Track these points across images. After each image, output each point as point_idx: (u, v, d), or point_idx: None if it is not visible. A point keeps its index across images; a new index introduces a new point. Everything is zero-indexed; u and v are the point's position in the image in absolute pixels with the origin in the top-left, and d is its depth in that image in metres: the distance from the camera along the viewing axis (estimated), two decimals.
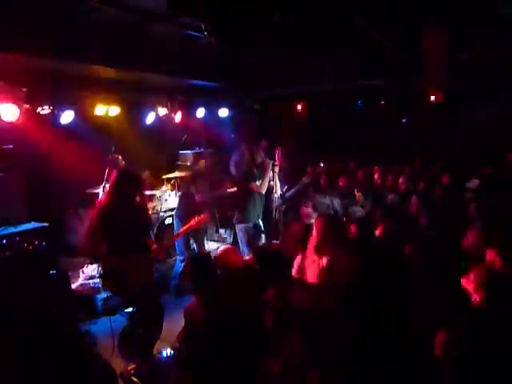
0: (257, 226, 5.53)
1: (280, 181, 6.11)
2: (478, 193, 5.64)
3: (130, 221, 3.58)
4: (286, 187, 6.27)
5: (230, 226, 6.70)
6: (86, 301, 5.01)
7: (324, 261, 3.45)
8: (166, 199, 6.52)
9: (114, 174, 3.77)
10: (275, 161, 5.92)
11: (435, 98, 7.58)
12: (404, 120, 9.59)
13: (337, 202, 5.96)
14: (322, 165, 7.35)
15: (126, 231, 3.55)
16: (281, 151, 6.39)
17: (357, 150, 8.62)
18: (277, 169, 5.55)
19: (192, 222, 4.28)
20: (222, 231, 7.51)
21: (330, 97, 8.37)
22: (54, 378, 1.95)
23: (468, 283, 2.51)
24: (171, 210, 6.54)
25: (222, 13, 3.63)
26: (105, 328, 4.07)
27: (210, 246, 7.02)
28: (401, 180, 6.49)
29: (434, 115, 8.32)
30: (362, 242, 3.88)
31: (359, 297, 2.64)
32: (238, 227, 5.53)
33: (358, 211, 5.55)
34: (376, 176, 7.10)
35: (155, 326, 3.79)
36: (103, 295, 4.99)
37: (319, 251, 3.53)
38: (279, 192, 5.81)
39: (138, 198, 3.70)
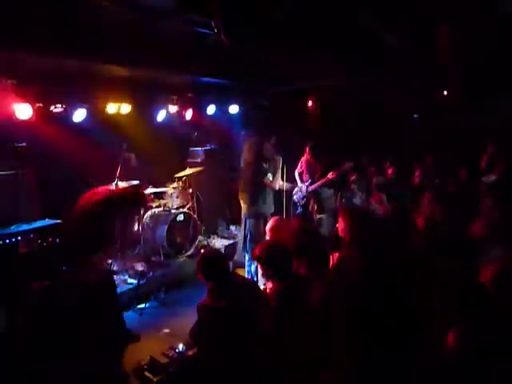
0: (265, 219, 5.42)
1: (306, 175, 6.24)
2: (494, 187, 5.58)
3: None
4: (309, 181, 6.37)
5: (240, 222, 6.69)
6: None
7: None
8: (178, 196, 6.55)
9: None
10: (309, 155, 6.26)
11: (447, 94, 7.48)
12: (416, 116, 9.49)
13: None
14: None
15: None
16: (309, 147, 6.48)
17: (369, 147, 8.54)
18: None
19: None
20: (232, 228, 7.54)
21: (341, 93, 8.29)
22: None
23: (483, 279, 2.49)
24: (182, 207, 6.59)
25: (232, 10, 3.63)
26: None
27: (220, 242, 7.04)
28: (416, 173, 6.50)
29: (447, 112, 8.19)
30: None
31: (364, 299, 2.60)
32: (249, 222, 5.54)
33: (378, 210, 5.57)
34: (390, 171, 7.05)
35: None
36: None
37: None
38: (285, 187, 5.83)
39: None
